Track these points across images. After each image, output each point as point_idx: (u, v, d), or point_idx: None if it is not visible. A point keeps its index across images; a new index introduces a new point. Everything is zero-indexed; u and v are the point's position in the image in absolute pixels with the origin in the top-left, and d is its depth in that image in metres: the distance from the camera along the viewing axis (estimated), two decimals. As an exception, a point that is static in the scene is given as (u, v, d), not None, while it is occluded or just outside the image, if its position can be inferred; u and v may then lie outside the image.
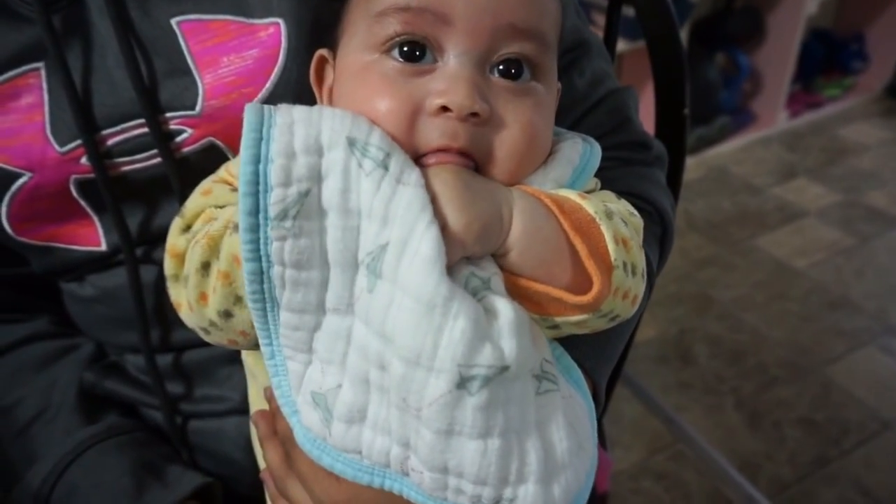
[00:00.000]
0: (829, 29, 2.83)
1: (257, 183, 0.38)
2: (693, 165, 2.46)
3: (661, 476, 1.51)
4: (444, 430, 0.38)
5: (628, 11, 0.86)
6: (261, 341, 0.43)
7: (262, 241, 0.39)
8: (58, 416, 0.62)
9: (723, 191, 2.43)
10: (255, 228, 0.39)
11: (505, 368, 0.38)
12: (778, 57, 2.52)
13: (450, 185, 0.40)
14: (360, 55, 0.44)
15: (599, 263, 0.41)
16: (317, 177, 0.39)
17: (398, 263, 0.38)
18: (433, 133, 0.41)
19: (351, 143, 0.39)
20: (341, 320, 0.41)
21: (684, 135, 0.79)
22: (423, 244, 0.37)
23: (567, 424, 0.41)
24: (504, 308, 0.39)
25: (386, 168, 0.39)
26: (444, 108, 0.41)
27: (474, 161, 0.43)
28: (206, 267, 0.43)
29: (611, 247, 0.41)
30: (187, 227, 0.46)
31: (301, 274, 0.40)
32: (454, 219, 0.39)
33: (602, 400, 0.54)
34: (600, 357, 0.53)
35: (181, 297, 0.46)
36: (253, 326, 0.42)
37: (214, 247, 0.43)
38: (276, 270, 0.39)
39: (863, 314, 1.90)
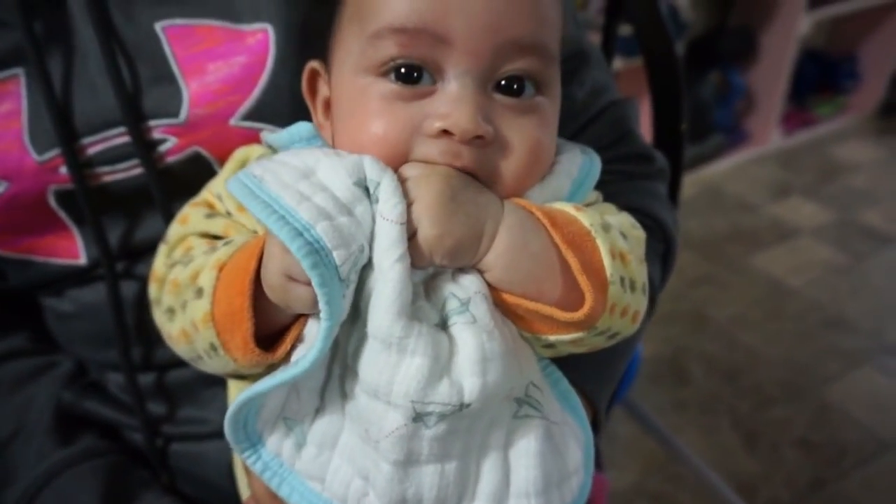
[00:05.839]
0: (823, 49, 2.85)
1: (314, 249, 0.36)
2: (687, 184, 2.43)
3: (656, 498, 1.48)
4: (402, 460, 0.39)
5: (623, 30, 0.87)
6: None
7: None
8: (33, 437, 0.59)
9: (717, 209, 2.42)
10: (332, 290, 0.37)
11: (464, 406, 0.38)
12: (771, 76, 2.53)
13: (434, 192, 0.38)
14: (355, 78, 0.42)
15: (593, 278, 0.39)
16: (365, 236, 0.39)
17: (370, 300, 0.38)
18: (433, 151, 0.40)
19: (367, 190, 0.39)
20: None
21: (682, 150, 0.78)
22: (387, 283, 0.37)
23: (542, 452, 0.41)
24: (471, 341, 0.39)
25: (376, 200, 0.39)
26: (446, 132, 0.39)
27: (477, 179, 0.41)
28: (171, 311, 0.45)
29: (606, 261, 0.40)
30: (170, 254, 0.47)
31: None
32: (427, 229, 0.38)
33: (602, 423, 0.52)
34: (601, 379, 0.52)
35: (164, 325, 0.46)
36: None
37: (179, 293, 0.43)
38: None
39: (859, 333, 1.89)
